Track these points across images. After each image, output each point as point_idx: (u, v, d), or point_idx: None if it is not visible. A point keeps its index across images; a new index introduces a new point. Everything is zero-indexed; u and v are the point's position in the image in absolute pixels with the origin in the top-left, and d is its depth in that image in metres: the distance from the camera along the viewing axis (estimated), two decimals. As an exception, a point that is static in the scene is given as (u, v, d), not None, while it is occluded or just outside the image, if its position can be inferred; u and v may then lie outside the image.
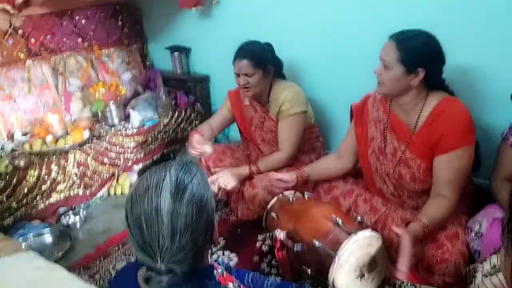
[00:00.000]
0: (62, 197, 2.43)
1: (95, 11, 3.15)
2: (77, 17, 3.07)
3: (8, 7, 2.64)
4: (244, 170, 2.24)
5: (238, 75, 2.17)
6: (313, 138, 2.41)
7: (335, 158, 2.05)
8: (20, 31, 2.79)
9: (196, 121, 3.13)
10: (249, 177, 2.26)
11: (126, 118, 2.95)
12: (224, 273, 1.07)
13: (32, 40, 2.85)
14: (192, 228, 0.87)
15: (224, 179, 2.16)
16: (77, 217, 2.46)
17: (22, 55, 2.81)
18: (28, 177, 2.28)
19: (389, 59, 1.59)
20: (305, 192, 1.88)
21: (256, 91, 2.20)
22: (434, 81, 1.64)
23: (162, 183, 0.89)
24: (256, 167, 2.23)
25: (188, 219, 0.87)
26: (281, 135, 2.25)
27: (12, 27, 2.75)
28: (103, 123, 2.91)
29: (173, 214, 0.86)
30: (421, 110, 1.66)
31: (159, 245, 0.86)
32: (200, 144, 2.23)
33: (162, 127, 2.91)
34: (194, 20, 3.04)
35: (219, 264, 1.11)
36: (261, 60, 2.15)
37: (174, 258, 0.87)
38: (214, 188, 2.17)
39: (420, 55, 1.57)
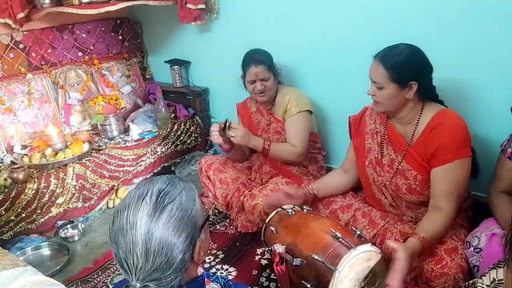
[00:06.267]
0: (61, 210, 2.42)
1: (96, 25, 3.19)
2: (77, 31, 3.11)
3: (10, 22, 2.69)
4: (259, 140, 2.29)
5: (253, 81, 2.24)
6: (315, 148, 2.43)
7: (341, 173, 2.05)
8: (21, 45, 2.83)
9: (195, 134, 3.14)
10: (255, 151, 2.39)
11: (126, 131, 2.97)
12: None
13: (33, 54, 2.89)
14: (167, 249, 0.86)
15: (237, 132, 2.21)
16: (76, 230, 2.45)
17: (22, 69, 2.84)
18: (27, 190, 2.28)
19: (380, 80, 1.62)
20: (304, 206, 1.88)
21: (271, 94, 2.30)
22: (427, 90, 1.67)
23: (142, 201, 0.89)
24: (268, 146, 2.27)
25: (163, 241, 0.86)
26: (289, 133, 2.29)
27: (13, 41, 2.79)
28: (103, 136, 2.92)
29: (147, 235, 0.85)
30: (418, 122, 1.68)
31: (133, 263, 0.86)
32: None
33: (162, 139, 2.92)
34: (193, 34, 3.07)
35: (217, 278, 1.11)
36: (272, 64, 2.28)
37: (150, 277, 0.86)
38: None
39: (408, 69, 1.59)
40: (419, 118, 1.68)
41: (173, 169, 3.09)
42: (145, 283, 0.87)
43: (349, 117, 1.98)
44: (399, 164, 1.74)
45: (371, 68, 1.67)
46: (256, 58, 2.24)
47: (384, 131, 1.80)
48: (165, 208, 0.89)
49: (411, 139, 1.70)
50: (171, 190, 0.92)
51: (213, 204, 2.37)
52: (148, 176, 2.87)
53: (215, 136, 2.27)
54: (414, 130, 1.69)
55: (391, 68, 1.59)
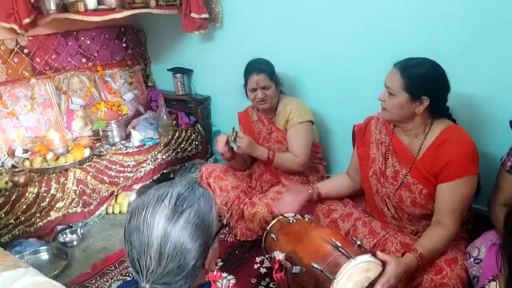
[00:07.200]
0: (60, 214, 2.42)
1: (100, 32, 3.23)
2: (82, 38, 3.14)
3: (15, 27, 2.71)
4: (263, 150, 2.31)
5: (254, 89, 2.26)
6: (316, 158, 2.45)
7: (346, 177, 2.05)
8: (25, 50, 2.85)
9: (196, 142, 3.16)
10: (259, 160, 2.41)
11: (127, 137, 2.98)
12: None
13: (37, 59, 2.91)
14: (181, 255, 0.86)
15: (242, 142, 2.23)
16: (75, 235, 2.44)
17: (26, 74, 2.86)
18: (27, 194, 2.28)
19: (394, 87, 1.62)
20: (306, 215, 1.88)
21: (272, 103, 2.31)
22: (439, 108, 1.66)
23: (161, 203, 0.89)
24: (272, 156, 2.28)
25: (178, 246, 0.86)
26: (291, 143, 2.30)
27: (18, 46, 2.81)
28: (104, 141, 2.93)
29: (163, 238, 0.85)
30: (426, 136, 1.68)
31: (146, 265, 0.86)
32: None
33: (163, 147, 2.93)
34: (196, 43, 3.10)
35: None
36: (274, 73, 2.30)
37: (160, 281, 0.87)
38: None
39: (424, 83, 1.59)
40: (427, 132, 1.68)
41: (172, 176, 3.10)
42: (155, 286, 0.87)
43: (354, 126, 1.98)
44: (404, 177, 1.73)
45: (388, 74, 1.66)
46: (258, 66, 2.27)
47: (389, 142, 1.80)
48: (183, 212, 0.89)
49: (418, 152, 1.70)
50: (190, 195, 0.92)
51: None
52: (147, 183, 2.87)
53: (221, 146, 2.28)
54: (422, 143, 1.69)
55: (407, 77, 1.59)
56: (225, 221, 2.39)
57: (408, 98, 1.60)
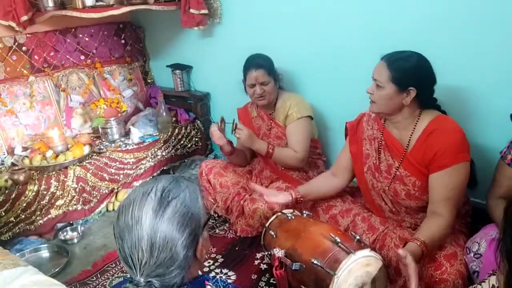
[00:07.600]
0: (60, 212, 2.43)
1: (99, 29, 3.22)
2: (80, 35, 3.14)
3: (13, 24, 2.71)
4: (262, 144, 2.29)
5: (253, 85, 2.25)
6: (315, 154, 2.45)
7: (329, 176, 2.05)
8: (24, 48, 2.84)
9: (196, 138, 3.16)
10: (259, 154, 2.39)
11: (127, 134, 2.98)
12: None
13: (36, 56, 2.90)
14: (172, 244, 0.88)
15: (241, 133, 2.22)
16: (75, 233, 2.45)
17: (25, 71, 2.86)
18: (27, 192, 2.28)
19: (381, 79, 1.64)
20: (304, 211, 1.88)
21: (271, 98, 2.31)
22: (426, 100, 1.69)
23: (147, 197, 0.91)
24: (272, 150, 2.27)
25: (168, 236, 0.87)
26: (291, 139, 2.30)
27: (16, 43, 2.80)
28: (104, 139, 2.93)
29: (152, 229, 0.87)
30: (414, 127, 1.70)
31: (138, 258, 0.87)
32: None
33: (162, 143, 2.93)
34: (195, 39, 3.09)
35: (217, 281, 1.11)
36: (273, 68, 2.30)
37: (154, 273, 0.88)
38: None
39: (411, 74, 1.61)
40: (416, 124, 1.70)
41: (172, 172, 3.10)
42: (149, 279, 0.88)
43: (346, 123, 1.99)
44: (396, 170, 1.74)
45: (376, 66, 1.69)
46: (257, 62, 2.27)
47: (381, 137, 1.81)
48: (170, 203, 0.90)
49: (407, 144, 1.71)
50: (175, 187, 0.94)
51: (214, 204, 2.38)
52: (148, 180, 2.88)
53: (217, 136, 2.28)
54: (411, 135, 1.70)
55: (394, 69, 1.61)
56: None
57: (395, 89, 1.62)
